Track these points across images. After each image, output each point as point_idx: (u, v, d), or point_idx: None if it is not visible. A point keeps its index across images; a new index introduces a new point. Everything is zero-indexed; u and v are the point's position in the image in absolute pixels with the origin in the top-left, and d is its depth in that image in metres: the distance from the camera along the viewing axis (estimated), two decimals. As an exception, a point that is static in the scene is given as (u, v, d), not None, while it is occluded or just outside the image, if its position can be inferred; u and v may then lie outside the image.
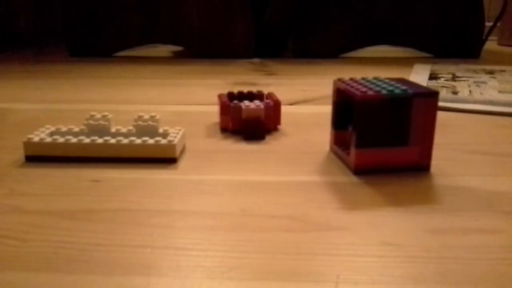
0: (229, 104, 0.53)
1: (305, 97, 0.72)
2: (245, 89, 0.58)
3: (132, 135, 0.48)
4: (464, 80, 0.81)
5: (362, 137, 0.41)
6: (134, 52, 1.17)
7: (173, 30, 1.12)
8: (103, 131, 0.47)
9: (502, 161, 0.46)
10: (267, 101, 0.54)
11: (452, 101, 0.67)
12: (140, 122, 0.47)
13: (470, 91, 0.73)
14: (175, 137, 0.46)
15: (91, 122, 0.47)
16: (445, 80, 0.82)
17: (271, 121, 0.54)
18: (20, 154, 0.47)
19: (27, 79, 0.87)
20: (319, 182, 0.40)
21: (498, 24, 1.19)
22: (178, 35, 1.12)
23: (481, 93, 0.71)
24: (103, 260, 0.28)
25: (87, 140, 0.45)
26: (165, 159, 0.44)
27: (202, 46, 1.12)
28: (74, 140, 0.45)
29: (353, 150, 0.41)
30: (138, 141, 0.45)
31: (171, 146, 0.44)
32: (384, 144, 0.41)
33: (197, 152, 0.48)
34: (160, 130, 0.48)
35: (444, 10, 1.11)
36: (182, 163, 0.45)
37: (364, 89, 0.41)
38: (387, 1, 1.11)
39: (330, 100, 0.47)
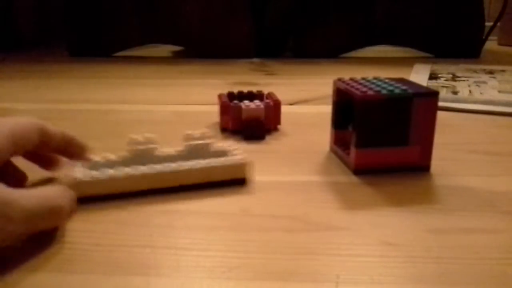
0: (229, 104, 0.53)
1: (305, 97, 0.72)
2: (245, 89, 0.58)
3: (182, 157, 0.40)
4: (464, 80, 0.81)
5: (362, 137, 0.41)
6: (134, 52, 1.17)
7: (173, 30, 1.11)
8: (147, 155, 0.40)
9: (502, 161, 0.46)
10: (267, 101, 0.54)
11: (452, 101, 0.67)
12: (191, 142, 0.41)
13: (470, 91, 0.73)
14: (239, 153, 0.40)
15: (137, 147, 0.40)
16: (445, 80, 0.82)
17: (271, 121, 0.54)
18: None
19: (27, 79, 0.87)
20: (319, 182, 0.40)
21: (498, 24, 1.19)
22: (178, 35, 1.12)
23: (481, 93, 0.71)
24: (103, 260, 0.28)
25: (149, 170, 0.37)
26: (235, 180, 0.39)
27: (202, 46, 1.12)
28: (133, 171, 0.37)
29: (353, 150, 0.41)
30: (205, 163, 0.39)
31: (241, 165, 0.39)
32: (384, 144, 0.41)
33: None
34: (212, 148, 0.42)
35: (444, 10, 1.11)
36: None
37: (364, 89, 0.41)
38: (387, 1, 1.11)
39: (330, 100, 0.47)
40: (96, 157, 0.39)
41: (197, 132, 0.41)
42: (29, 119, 0.34)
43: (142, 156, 0.39)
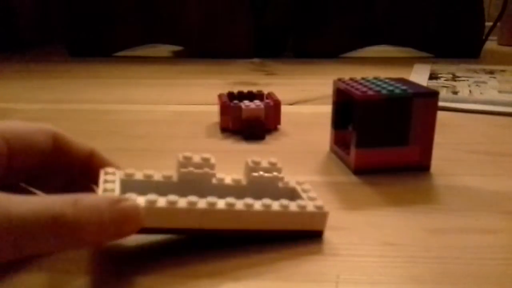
0: (229, 104, 0.53)
1: (305, 97, 0.72)
2: (245, 89, 0.58)
3: (243, 190, 0.32)
4: (464, 80, 0.81)
5: (362, 137, 0.41)
6: (134, 52, 1.17)
7: (173, 30, 1.11)
8: (202, 183, 0.31)
9: (502, 161, 0.46)
10: (267, 101, 0.54)
11: (452, 101, 0.67)
12: (255, 173, 0.32)
13: (470, 91, 0.73)
14: (314, 197, 0.32)
15: (191, 170, 0.31)
16: (445, 80, 0.82)
17: (271, 121, 0.54)
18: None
19: (27, 79, 0.87)
20: (319, 182, 0.40)
21: (498, 24, 1.19)
22: (178, 35, 1.12)
23: (481, 93, 0.71)
24: (105, 260, 0.28)
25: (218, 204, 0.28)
26: (310, 232, 0.31)
27: (202, 46, 1.12)
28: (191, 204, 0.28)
29: (353, 150, 0.41)
30: (281, 206, 0.30)
31: (321, 214, 0.31)
32: (384, 144, 0.41)
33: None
34: (280, 184, 0.33)
35: (444, 10, 1.11)
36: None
37: (364, 89, 0.41)
38: (387, 1, 1.11)
39: (330, 100, 0.47)
40: (137, 174, 0.31)
41: (265, 162, 0.33)
42: (39, 124, 0.27)
43: (195, 183, 0.31)
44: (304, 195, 0.32)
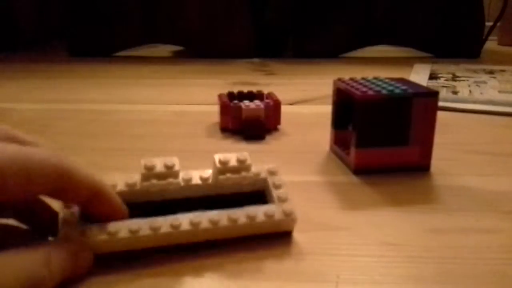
0: (229, 104, 0.53)
1: (305, 97, 0.72)
2: (245, 89, 0.58)
3: (212, 187, 0.31)
4: (464, 80, 0.81)
5: (362, 137, 0.41)
6: (134, 52, 1.17)
7: (173, 30, 1.11)
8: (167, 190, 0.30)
9: (502, 161, 0.46)
10: (267, 101, 0.54)
11: (452, 101, 0.67)
12: (222, 175, 0.30)
13: (470, 91, 0.73)
14: (284, 197, 0.31)
15: (153, 182, 0.30)
16: (445, 80, 0.82)
17: (271, 121, 0.54)
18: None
19: (27, 79, 0.87)
20: (319, 182, 0.40)
21: (498, 24, 1.19)
22: (178, 35, 1.12)
23: (481, 93, 0.71)
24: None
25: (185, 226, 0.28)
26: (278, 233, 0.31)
27: (202, 46, 1.12)
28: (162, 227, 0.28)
29: (353, 150, 0.41)
30: (246, 215, 0.29)
31: (289, 220, 0.30)
32: (384, 144, 0.41)
33: (197, 152, 0.48)
34: (248, 183, 0.31)
35: (444, 10, 1.11)
36: (182, 163, 0.45)
37: (364, 89, 0.41)
38: (387, 1, 1.11)
39: (330, 100, 0.47)
40: None
41: (234, 159, 0.31)
42: (48, 152, 0.24)
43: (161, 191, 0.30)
44: (274, 193, 0.31)
